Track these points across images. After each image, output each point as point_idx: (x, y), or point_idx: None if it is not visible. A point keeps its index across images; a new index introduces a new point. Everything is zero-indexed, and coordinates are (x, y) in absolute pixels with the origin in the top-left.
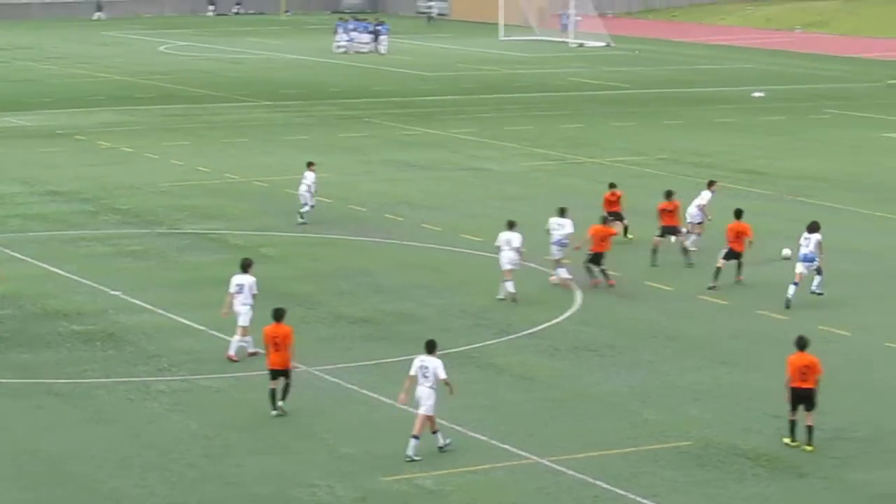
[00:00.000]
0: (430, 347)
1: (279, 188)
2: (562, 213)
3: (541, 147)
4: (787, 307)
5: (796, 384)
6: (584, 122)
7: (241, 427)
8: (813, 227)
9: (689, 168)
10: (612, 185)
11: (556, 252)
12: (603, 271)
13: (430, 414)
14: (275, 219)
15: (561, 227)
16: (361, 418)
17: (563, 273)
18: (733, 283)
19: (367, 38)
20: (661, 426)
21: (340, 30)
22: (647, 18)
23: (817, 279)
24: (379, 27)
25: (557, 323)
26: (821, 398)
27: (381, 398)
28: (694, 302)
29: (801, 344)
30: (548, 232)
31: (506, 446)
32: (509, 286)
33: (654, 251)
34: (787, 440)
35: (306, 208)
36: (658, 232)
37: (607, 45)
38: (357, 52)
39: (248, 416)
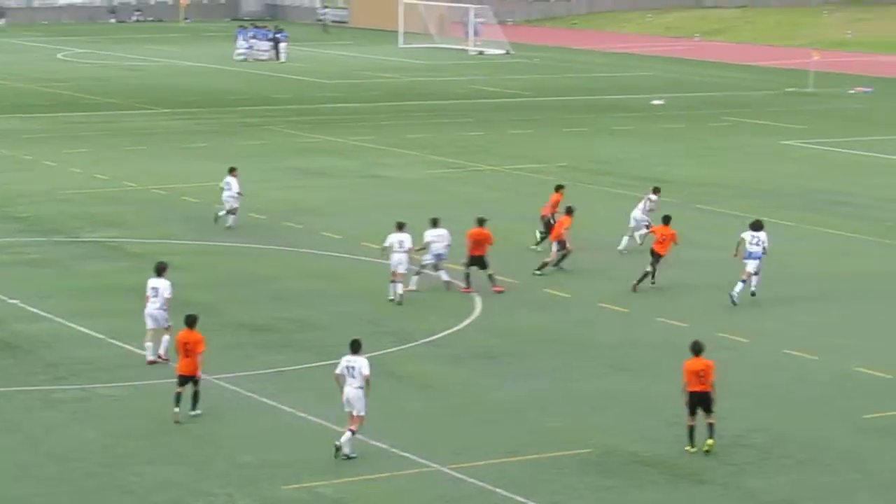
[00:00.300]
0: (355, 347)
1: (178, 196)
2: (434, 223)
3: (441, 155)
4: (734, 304)
5: (694, 388)
6: (485, 130)
7: (140, 436)
8: (757, 226)
9: (590, 176)
10: (558, 188)
11: (430, 259)
12: (490, 276)
13: (362, 414)
14: (174, 227)
15: (440, 238)
16: (261, 426)
17: (418, 277)
18: (634, 290)
19: (266, 45)
20: (561, 433)
21: (240, 37)
22: (547, 26)
23: (755, 280)
24: (279, 35)
25: (458, 330)
26: (719, 405)
27: (282, 406)
28: (594, 309)
29: (697, 349)
30: (425, 246)
31: (406, 454)
32: (398, 288)
33: (558, 257)
34: (687, 448)
35: (232, 216)
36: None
37: (507, 53)
38: (257, 60)
39: (147, 424)
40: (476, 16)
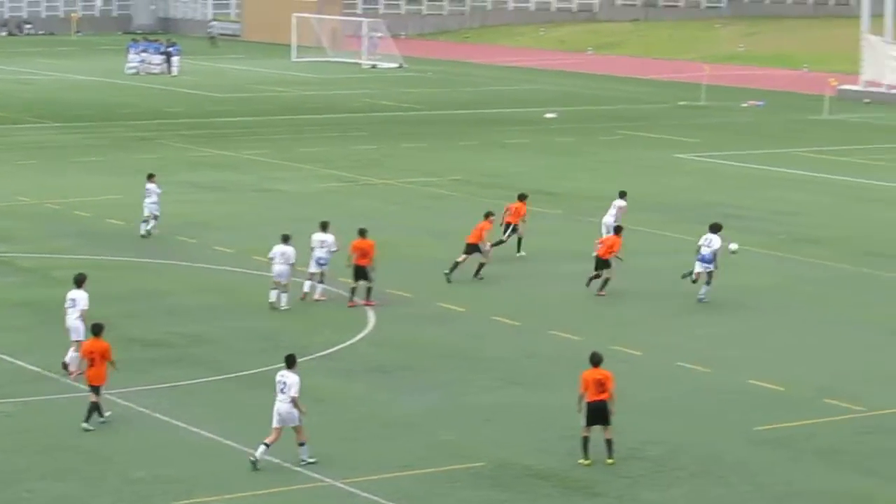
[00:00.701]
0: (290, 362)
1: (70, 210)
2: (324, 227)
3: (334, 168)
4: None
5: (593, 398)
6: (378, 144)
7: (32, 451)
8: (715, 228)
9: (483, 189)
10: (521, 197)
11: (315, 267)
12: (369, 289)
13: (297, 425)
14: (66, 241)
15: (323, 244)
16: (154, 442)
17: (306, 287)
18: (527, 304)
19: (158, 59)
20: (455, 447)
21: (132, 51)
22: (440, 40)
23: (704, 288)
24: (171, 48)
25: (351, 345)
26: (616, 418)
27: (175, 422)
28: (488, 322)
29: (596, 360)
30: (312, 249)
31: (300, 469)
32: (279, 296)
33: (454, 267)
34: (581, 461)
35: (152, 222)
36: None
37: (400, 67)
38: (149, 74)
39: (39, 440)
40: (371, 29)
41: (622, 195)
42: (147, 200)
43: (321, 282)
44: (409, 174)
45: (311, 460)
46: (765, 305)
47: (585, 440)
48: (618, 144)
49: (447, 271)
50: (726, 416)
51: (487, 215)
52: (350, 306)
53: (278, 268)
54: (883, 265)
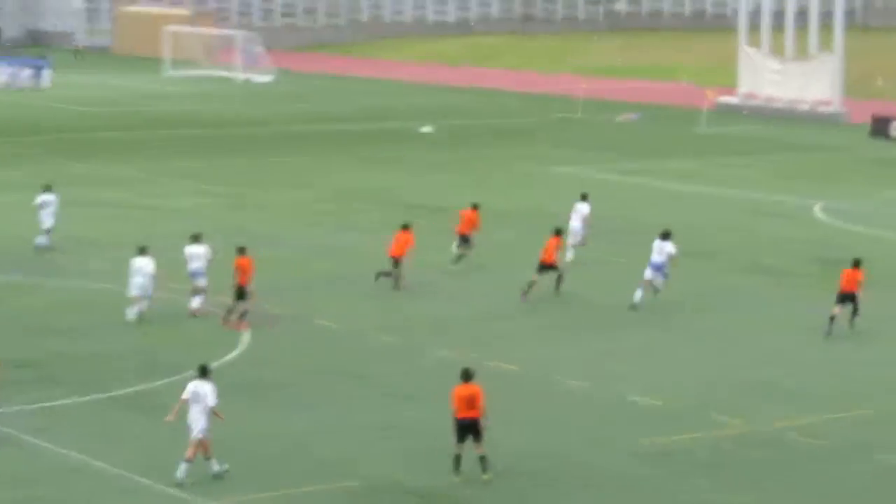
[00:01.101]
0: (203, 372)
1: None
2: (196, 239)
3: (208, 183)
4: (634, 309)
5: (463, 414)
6: (252, 158)
7: None
8: (666, 235)
9: (362, 204)
10: (474, 206)
11: (195, 280)
12: (244, 311)
13: (202, 437)
14: None
15: (196, 257)
16: (21, 463)
17: (196, 303)
18: (406, 320)
19: (28, 72)
20: (330, 465)
21: (1, 65)
22: (317, 53)
23: (660, 280)
24: (40, 62)
25: (228, 362)
26: (493, 434)
27: (43, 443)
28: (364, 339)
29: (466, 376)
30: (186, 263)
31: (173, 491)
32: (134, 310)
33: (381, 275)
34: (453, 477)
35: (45, 236)
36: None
37: (274, 81)
38: (18, 88)
39: None
40: (247, 42)
41: (583, 198)
42: (41, 212)
43: (198, 295)
44: (285, 189)
45: (185, 481)
46: (644, 320)
47: (457, 457)
48: (495, 158)
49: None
50: (607, 431)
51: (405, 227)
52: (224, 325)
53: (136, 280)
54: (764, 278)
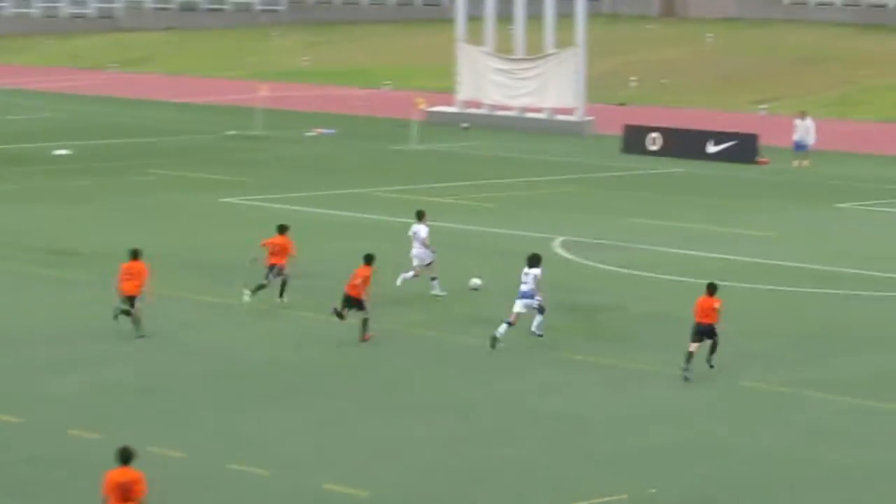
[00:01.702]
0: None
1: None
2: None
3: None
4: (493, 346)
5: None
6: None
7: None
8: (533, 261)
9: None
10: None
11: None
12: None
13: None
14: None
15: None
16: None
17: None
18: (33, 396)
19: None
20: None
21: None
22: None
23: (538, 319)
24: None
25: None
26: None
27: None
28: None
29: (125, 456)
30: None
31: None
32: None
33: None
34: None
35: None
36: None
37: None
38: None
39: None
40: None
41: (419, 216)
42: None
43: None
44: None
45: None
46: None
47: None
48: (150, 187)
49: None
50: None
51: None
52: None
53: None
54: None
